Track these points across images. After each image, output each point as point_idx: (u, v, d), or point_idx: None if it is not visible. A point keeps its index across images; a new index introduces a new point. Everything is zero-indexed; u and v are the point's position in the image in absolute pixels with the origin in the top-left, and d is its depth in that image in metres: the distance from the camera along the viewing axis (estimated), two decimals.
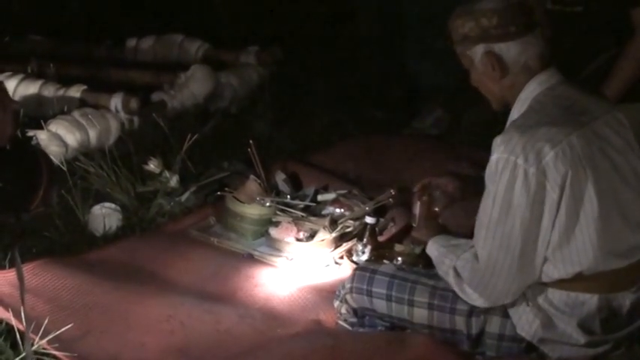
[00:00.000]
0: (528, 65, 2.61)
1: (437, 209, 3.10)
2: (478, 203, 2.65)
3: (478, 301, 2.63)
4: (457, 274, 2.66)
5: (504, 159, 2.46)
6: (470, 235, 2.70)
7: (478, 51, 2.63)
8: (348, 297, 2.99)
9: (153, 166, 4.36)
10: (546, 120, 2.50)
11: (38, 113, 5.10)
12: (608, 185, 2.52)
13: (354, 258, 3.66)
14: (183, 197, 4.24)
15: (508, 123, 2.64)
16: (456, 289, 2.68)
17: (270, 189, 4.17)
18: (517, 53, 2.60)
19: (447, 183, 3.12)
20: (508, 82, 2.64)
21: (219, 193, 4.22)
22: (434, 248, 2.85)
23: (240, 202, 3.98)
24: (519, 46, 2.59)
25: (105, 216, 3.97)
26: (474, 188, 2.93)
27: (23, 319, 2.81)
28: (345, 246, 3.79)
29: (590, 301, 2.57)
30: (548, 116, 2.52)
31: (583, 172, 2.47)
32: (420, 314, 2.81)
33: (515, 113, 2.64)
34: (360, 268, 3.05)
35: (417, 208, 3.10)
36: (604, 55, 3.65)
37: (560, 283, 2.57)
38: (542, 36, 2.61)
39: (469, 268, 2.62)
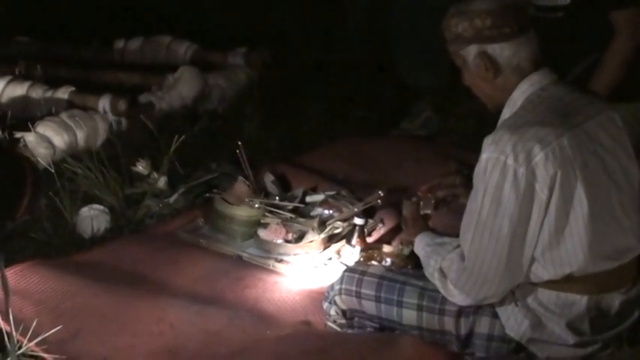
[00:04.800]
0: (521, 66, 2.60)
1: (428, 212, 3.10)
2: (465, 203, 2.65)
3: (462, 300, 2.63)
4: (442, 274, 2.66)
5: (494, 158, 2.46)
6: (457, 235, 2.69)
7: (471, 51, 2.63)
8: (337, 298, 2.99)
9: (141, 167, 4.35)
10: (537, 120, 2.50)
11: (26, 115, 5.09)
12: (598, 187, 2.52)
13: (343, 259, 3.66)
14: (172, 199, 4.23)
15: (499, 123, 2.64)
16: (441, 289, 2.68)
17: (259, 190, 4.16)
18: (510, 54, 2.59)
19: (454, 182, 3.11)
20: (500, 82, 2.63)
21: (207, 194, 4.21)
22: (420, 247, 2.85)
23: (229, 203, 3.97)
24: (513, 48, 2.59)
25: (93, 218, 3.96)
26: None
27: (12, 323, 2.81)
28: (334, 247, 3.79)
29: (580, 301, 2.57)
30: (539, 116, 2.52)
31: (573, 173, 2.47)
32: (409, 315, 2.80)
33: (506, 113, 2.64)
34: (349, 269, 3.05)
35: (406, 210, 3.10)
36: (587, 59, 3.66)
37: (550, 284, 2.57)
38: (535, 37, 2.62)
39: (455, 268, 2.62)
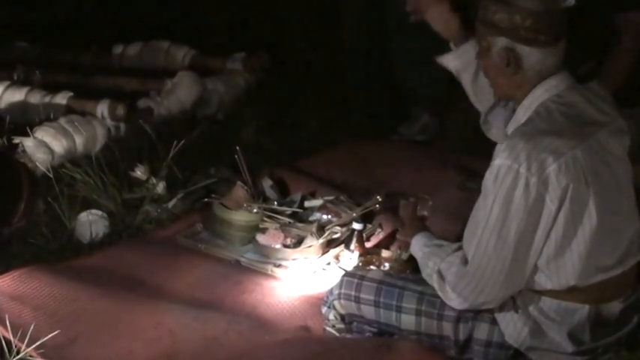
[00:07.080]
0: (542, 73, 2.57)
1: (425, 213, 3.10)
2: (461, 209, 2.65)
3: (459, 304, 2.62)
4: (441, 276, 2.65)
5: (507, 165, 2.44)
6: (453, 239, 2.69)
7: (499, 42, 2.57)
8: (335, 303, 2.98)
9: (139, 172, 4.35)
10: (552, 129, 2.48)
11: (24, 120, 5.07)
12: (608, 198, 2.52)
13: (342, 264, 3.65)
14: (170, 204, 4.23)
15: (511, 125, 2.63)
16: (439, 291, 2.67)
17: (258, 195, 4.16)
18: (536, 60, 2.55)
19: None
20: (517, 80, 2.59)
21: (206, 199, 4.21)
22: (417, 248, 2.85)
23: (228, 208, 3.97)
24: (541, 55, 2.54)
25: (92, 223, 3.95)
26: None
27: (9, 329, 2.81)
28: (333, 252, 3.78)
29: (582, 310, 2.57)
30: (554, 125, 2.50)
31: (585, 186, 2.46)
32: (408, 320, 2.80)
33: (519, 116, 2.62)
34: (347, 274, 3.04)
35: (403, 211, 3.11)
36: (591, 61, 3.66)
37: (553, 293, 2.57)
38: (564, 48, 2.58)
39: (455, 271, 2.61)
